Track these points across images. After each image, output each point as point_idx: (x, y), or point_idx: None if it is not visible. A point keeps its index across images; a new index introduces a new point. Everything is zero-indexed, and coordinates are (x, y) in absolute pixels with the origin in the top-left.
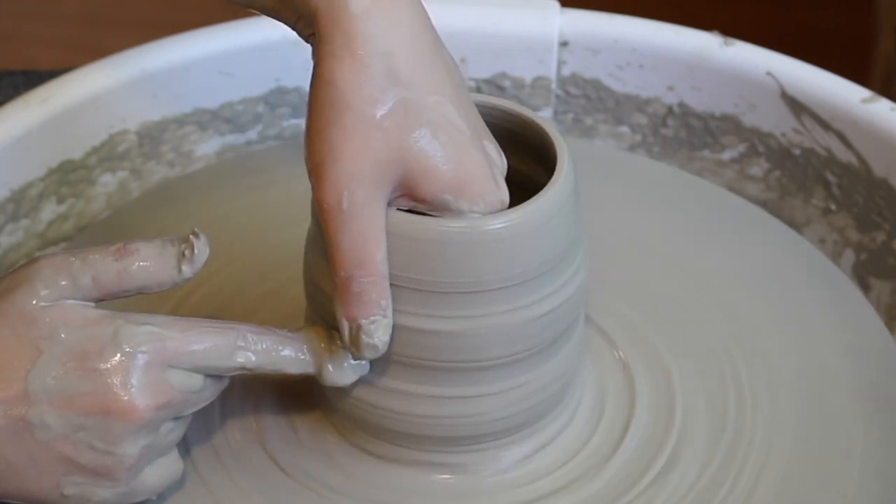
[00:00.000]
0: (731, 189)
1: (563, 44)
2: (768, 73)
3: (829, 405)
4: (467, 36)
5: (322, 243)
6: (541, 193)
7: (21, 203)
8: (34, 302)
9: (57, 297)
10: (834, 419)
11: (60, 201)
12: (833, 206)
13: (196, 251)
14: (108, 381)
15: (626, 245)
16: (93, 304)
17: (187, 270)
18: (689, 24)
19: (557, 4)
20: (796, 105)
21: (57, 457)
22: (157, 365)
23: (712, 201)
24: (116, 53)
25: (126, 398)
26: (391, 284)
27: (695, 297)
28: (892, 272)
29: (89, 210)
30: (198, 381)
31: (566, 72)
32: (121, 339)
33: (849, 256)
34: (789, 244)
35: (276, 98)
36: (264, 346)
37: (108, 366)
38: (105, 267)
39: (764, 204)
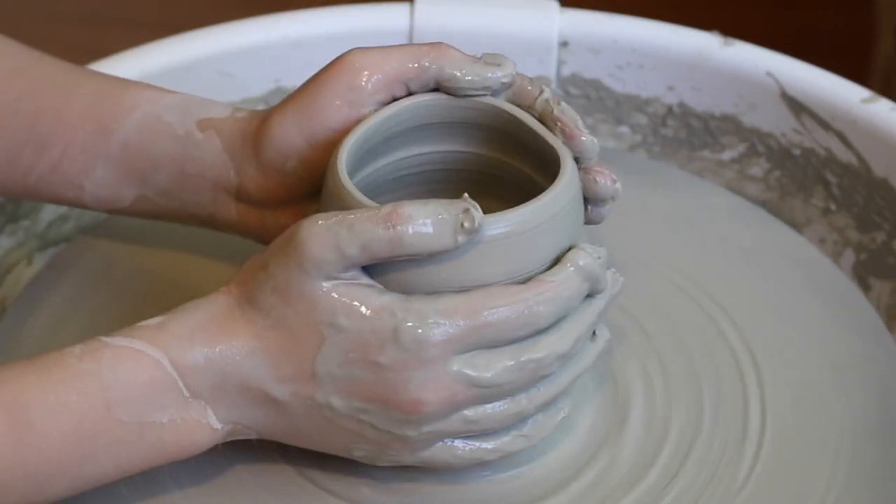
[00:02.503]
0: (731, 189)
1: (563, 44)
2: (768, 73)
3: (829, 406)
4: (467, 36)
5: None
6: (540, 196)
7: (21, 203)
8: (309, 284)
9: (326, 275)
10: (834, 420)
11: None
12: (833, 206)
13: (476, 222)
14: (389, 376)
15: (626, 245)
16: (369, 282)
17: (462, 240)
18: (689, 24)
19: (557, 4)
20: (796, 105)
21: (343, 430)
22: (439, 360)
23: (712, 201)
24: (116, 53)
25: (406, 394)
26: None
27: (693, 297)
28: (892, 272)
29: (89, 210)
30: (495, 360)
31: (566, 72)
32: (401, 337)
33: (849, 256)
34: (789, 244)
35: (276, 98)
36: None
37: (389, 362)
38: (375, 236)
39: (764, 204)
